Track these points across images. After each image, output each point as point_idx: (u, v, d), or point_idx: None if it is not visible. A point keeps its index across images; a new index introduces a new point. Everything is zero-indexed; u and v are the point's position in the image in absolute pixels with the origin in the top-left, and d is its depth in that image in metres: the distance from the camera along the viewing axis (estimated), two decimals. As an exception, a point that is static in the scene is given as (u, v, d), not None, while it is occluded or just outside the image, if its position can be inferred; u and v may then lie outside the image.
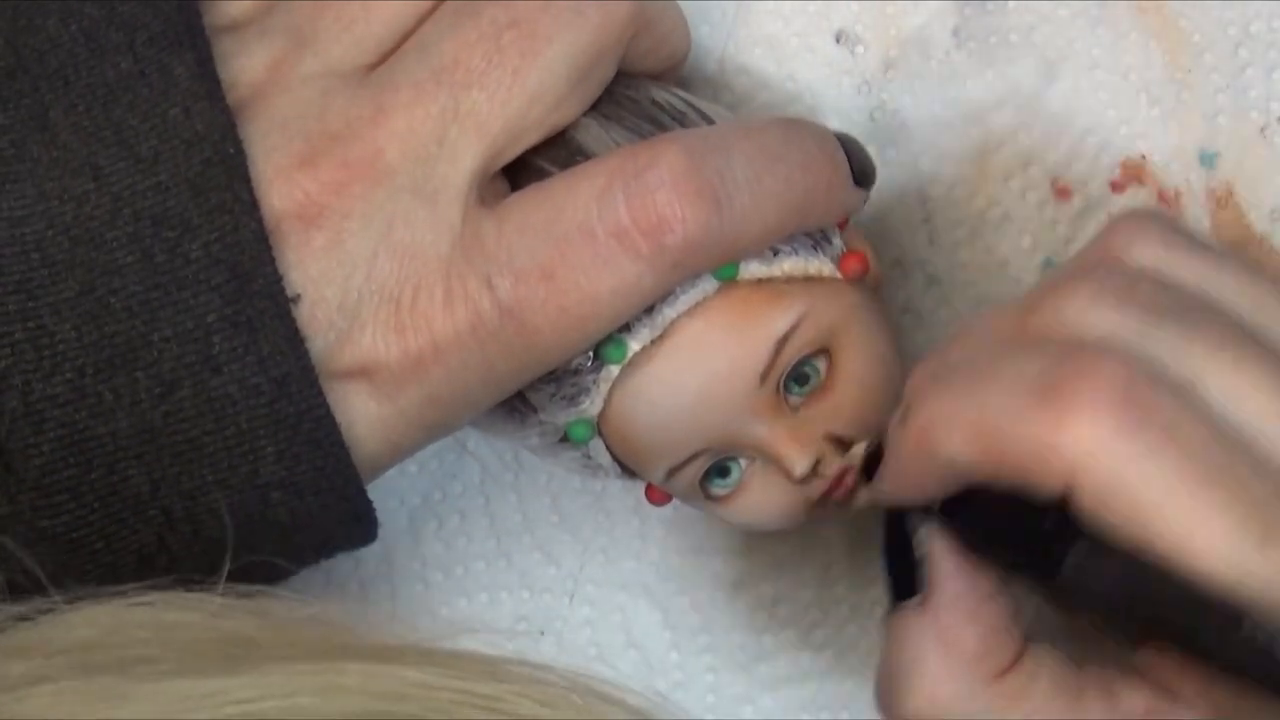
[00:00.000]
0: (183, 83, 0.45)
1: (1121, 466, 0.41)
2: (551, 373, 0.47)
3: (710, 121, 0.49)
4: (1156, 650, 0.45)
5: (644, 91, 0.49)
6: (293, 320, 0.44)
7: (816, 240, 0.48)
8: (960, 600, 0.45)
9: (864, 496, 0.49)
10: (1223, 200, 0.53)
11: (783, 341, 0.47)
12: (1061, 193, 0.54)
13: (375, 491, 0.56)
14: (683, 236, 0.45)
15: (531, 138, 0.46)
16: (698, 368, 0.47)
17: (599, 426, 0.48)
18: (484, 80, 0.46)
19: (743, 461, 0.49)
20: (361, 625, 0.37)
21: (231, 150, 0.44)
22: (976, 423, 0.43)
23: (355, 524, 0.47)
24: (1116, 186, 0.53)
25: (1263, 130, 0.53)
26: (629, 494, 0.55)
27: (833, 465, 0.48)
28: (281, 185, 0.45)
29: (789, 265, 0.48)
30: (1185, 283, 0.44)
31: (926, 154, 0.54)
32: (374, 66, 0.46)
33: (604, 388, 0.47)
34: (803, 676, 0.56)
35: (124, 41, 0.45)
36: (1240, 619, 0.40)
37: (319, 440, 0.45)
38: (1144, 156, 0.53)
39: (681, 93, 0.50)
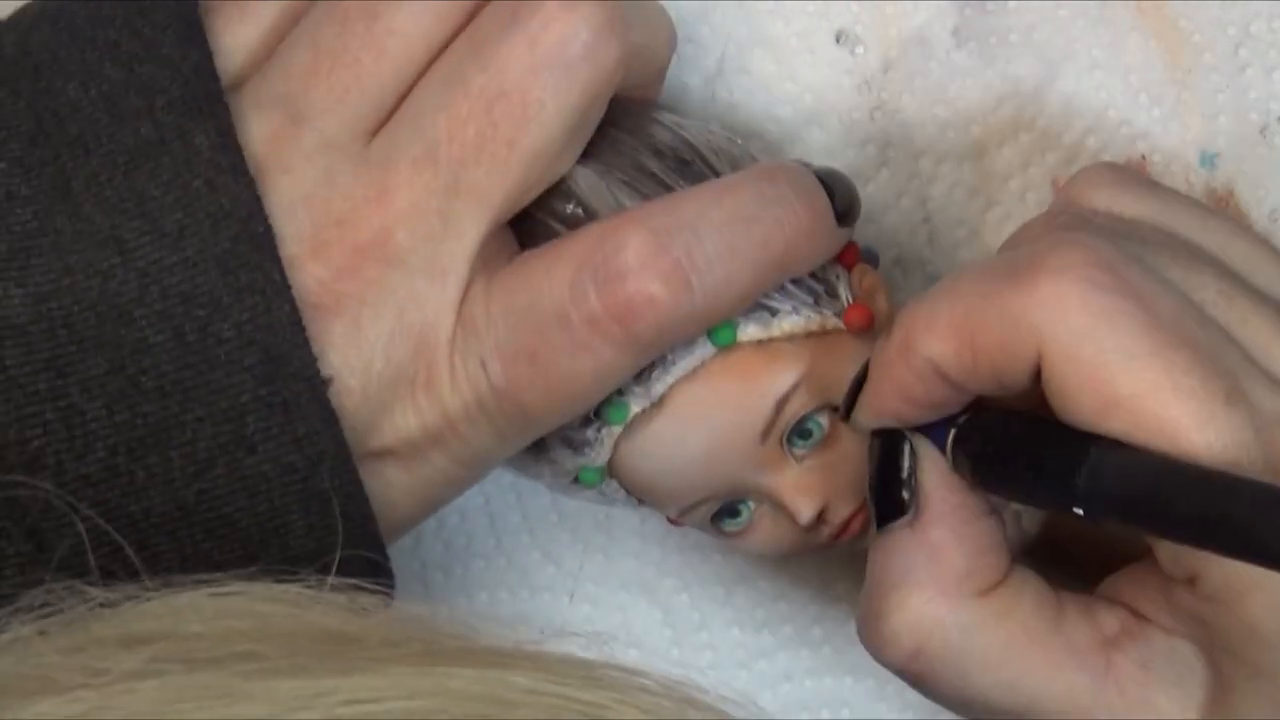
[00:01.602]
0: (204, 153, 0.44)
1: (1087, 324, 0.41)
2: (557, 430, 0.48)
3: (705, 162, 0.48)
4: (1124, 577, 0.46)
5: (644, 134, 0.48)
6: (327, 401, 0.44)
7: (819, 295, 0.48)
8: (950, 518, 0.46)
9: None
10: (1223, 200, 0.53)
11: (783, 401, 0.47)
12: (1061, 193, 0.54)
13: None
14: (653, 321, 0.45)
15: (533, 194, 0.47)
16: (699, 428, 0.47)
17: (610, 470, 0.49)
18: (480, 156, 0.45)
19: (751, 503, 0.49)
20: (456, 626, 0.37)
21: (260, 229, 0.44)
22: (949, 315, 0.43)
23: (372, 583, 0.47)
24: (1116, 187, 0.53)
25: (1263, 130, 0.53)
26: (629, 493, 0.55)
27: (840, 514, 0.49)
28: (295, 275, 0.44)
29: (788, 325, 0.48)
30: (1141, 217, 0.45)
31: (926, 154, 0.54)
32: (374, 132, 0.46)
33: (609, 443, 0.48)
34: (802, 674, 0.56)
35: (143, 106, 0.45)
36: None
37: (351, 515, 0.45)
38: (1144, 156, 0.53)
39: (681, 128, 0.49)
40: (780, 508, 0.48)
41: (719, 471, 0.48)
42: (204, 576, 0.36)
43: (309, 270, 0.45)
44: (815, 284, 0.48)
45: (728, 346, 0.47)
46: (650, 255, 0.45)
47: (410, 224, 0.45)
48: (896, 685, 0.55)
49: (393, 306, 0.45)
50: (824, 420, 0.48)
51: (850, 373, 0.47)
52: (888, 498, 0.46)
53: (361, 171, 0.45)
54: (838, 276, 0.49)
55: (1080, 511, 0.42)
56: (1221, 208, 0.53)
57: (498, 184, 0.45)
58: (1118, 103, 0.53)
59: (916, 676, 0.46)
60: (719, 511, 0.49)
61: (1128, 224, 0.45)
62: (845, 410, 0.47)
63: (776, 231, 0.46)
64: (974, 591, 0.45)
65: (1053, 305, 0.42)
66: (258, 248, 0.44)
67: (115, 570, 0.44)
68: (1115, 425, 0.42)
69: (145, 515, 0.44)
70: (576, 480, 0.49)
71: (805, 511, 0.48)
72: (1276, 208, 0.53)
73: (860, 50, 0.54)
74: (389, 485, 0.46)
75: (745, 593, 0.55)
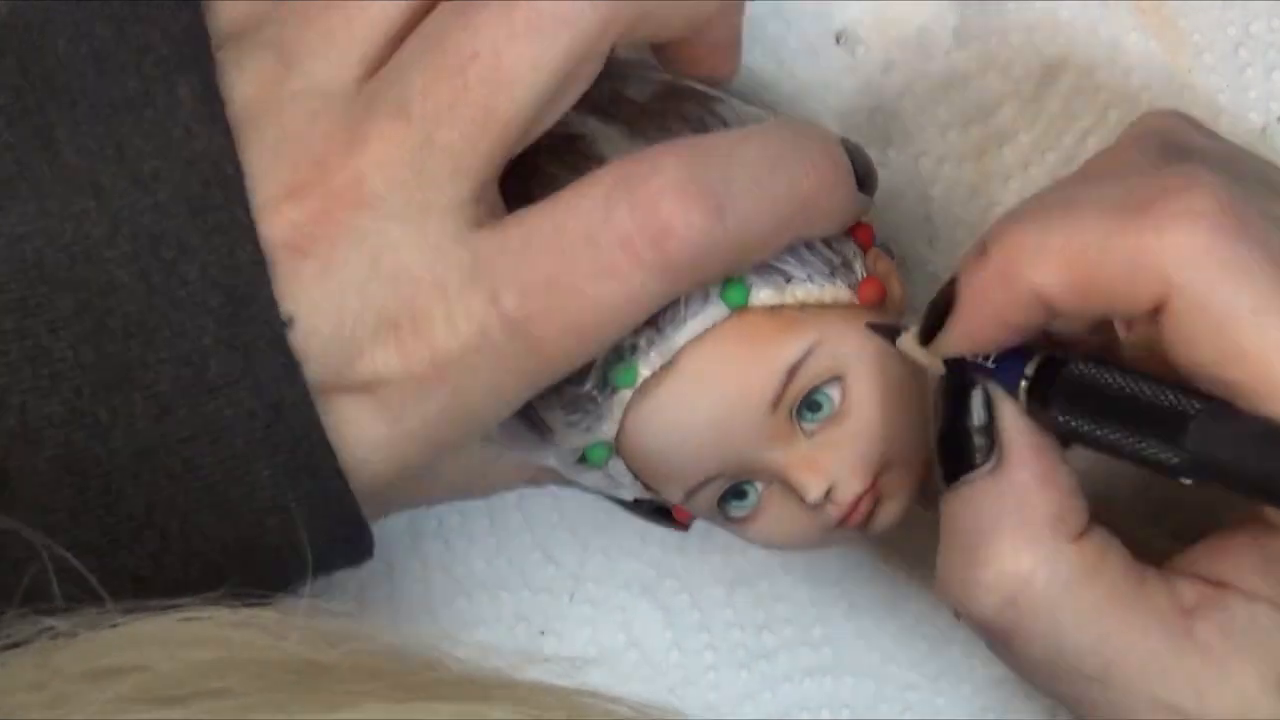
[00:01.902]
0: (186, 103, 0.45)
1: (1217, 276, 0.41)
2: (563, 395, 0.47)
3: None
4: (1203, 549, 0.45)
5: (672, 104, 0.49)
6: (287, 345, 0.44)
7: (834, 266, 0.48)
8: (1034, 462, 0.45)
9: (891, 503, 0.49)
10: (1223, 201, 0.53)
11: (794, 370, 0.47)
12: (1062, 193, 0.54)
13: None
14: (687, 243, 0.45)
15: (512, 154, 0.46)
16: (708, 393, 0.47)
17: (617, 447, 0.48)
18: (453, 119, 0.45)
19: (759, 485, 0.49)
20: (428, 652, 0.36)
21: (230, 171, 0.44)
22: (1064, 247, 0.42)
23: (350, 546, 0.47)
24: (1116, 187, 0.53)
25: (1263, 130, 0.53)
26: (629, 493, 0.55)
27: (848, 492, 0.48)
28: (271, 214, 0.44)
29: (802, 293, 0.48)
30: (1222, 155, 0.45)
31: (926, 154, 0.54)
32: (364, 79, 0.46)
33: (617, 412, 0.47)
34: (803, 674, 0.56)
35: (132, 63, 0.45)
36: None
37: (315, 466, 0.45)
38: (1144, 157, 0.53)
39: (719, 102, 0.49)
40: (788, 486, 0.48)
41: (728, 443, 0.48)
42: (169, 603, 0.36)
43: (284, 211, 0.44)
44: (831, 254, 0.48)
45: (740, 308, 0.47)
46: (686, 178, 0.45)
47: (384, 172, 0.45)
48: (897, 686, 0.55)
49: (366, 250, 0.45)
50: (834, 394, 0.48)
51: (859, 345, 0.47)
52: (960, 448, 0.45)
53: (344, 117, 0.45)
54: (854, 254, 0.49)
55: (1182, 475, 0.41)
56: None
57: (470, 147, 0.45)
58: (1118, 103, 0.53)
59: (1005, 631, 0.45)
60: (726, 493, 0.49)
61: (1221, 158, 0.44)
62: (925, 335, 0.46)
63: (802, 178, 0.46)
64: (1067, 536, 0.44)
65: (1185, 252, 0.41)
66: (227, 190, 0.44)
67: (81, 531, 0.44)
68: (1234, 376, 0.41)
69: (110, 457, 0.44)
70: (583, 459, 0.49)
71: (813, 488, 0.48)
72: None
73: (860, 50, 0.54)
74: (362, 433, 0.45)
75: (745, 593, 0.55)
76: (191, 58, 0.45)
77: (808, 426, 0.48)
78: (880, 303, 0.49)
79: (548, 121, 0.46)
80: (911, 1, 0.54)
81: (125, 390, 0.44)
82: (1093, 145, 0.53)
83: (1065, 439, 0.45)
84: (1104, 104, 0.53)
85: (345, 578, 0.55)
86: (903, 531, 0.54)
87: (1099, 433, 0.43)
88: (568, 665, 0.37)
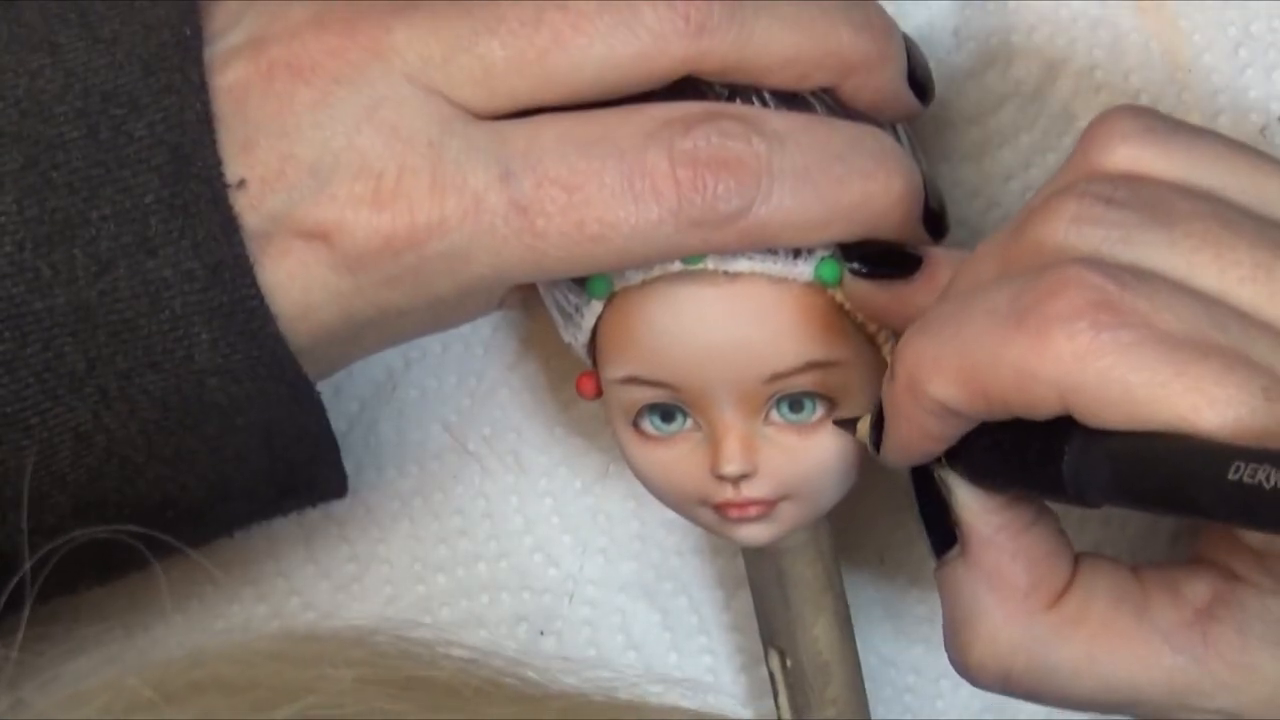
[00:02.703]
0: None
1: (1108, 368, 0.41)
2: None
3: None
4: (1218, 537, 0.44)
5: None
6: (229, 206, 0.44)
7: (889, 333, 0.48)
8: (997, 538, 0.45)
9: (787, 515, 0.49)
10: (1223, 201, 0.53)
11: (813, 367, 0.47)
12: (1061, 194, 0.53)
13: (376, 492, 0.56)
14: (710, 200, 0.45)
15: (535, 105, 0.46)
16: (744, 326, 0.47)
17: (612, 298, 0.48)
18: (508, 40, 0.45)
19: (689, 421, 0.49)
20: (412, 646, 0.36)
21: (188, 31, 0.45)
22: (958, 362, 0.43)
23: (297, 405, 0.47)
24: (1116, 187, 0.53)
25: (1263, 130, 0.53)
26: (629, 495, 0.55)
27: (755, 491, 0.48)
28: (286, 37, 0.45)
29: (864, 295, 0.48)
30: (1167, 175, 0.44)
31: (926, 154, 0.54)
32: None
33: (657, 270, 0.47)
34: (804, 676, 0.56)
35: None
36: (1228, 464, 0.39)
37: (253, 330, 0.45)
38: (1144, 157, 0.53)
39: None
40: (713, 444, 0.48)
41: (711, 371, 0.47)
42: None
43: (299, 36, 0.45)
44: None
45: (824, 283, 0.47)
46: (738, 139, 0.45)
47: (414, 36, 0.45)
48: (896, 688, 0.55)
49: (367, 95, 0.45)
50: (819, 411, 0.48)
51: (869, 397, 0.48)
52: (940, 529, 0.46)
53: None
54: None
55: (1075, 501, 0.42)
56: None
57: (506, 76, 0.45)
58: (1118, 102, 0.53)
59: (1018, 695, 0.46)
60: (656, 406, 0.48)
61: (1151, 193, 0.43)
62: (874, 447, 0.47)
63: (858, 179, 0.47)
64: (1042, 605, 0.45)
65: (1067, 359, 0.41)
66: (183, 49, 0.44)
67: (19, 386, 0.44)
68: (1169, 451, 0.41)
69: (49, 313, 0.44)
70: (579, 283, 0.48)
71: (734, 464, 0.48)
72: (1277, 208, 0.53)
73: (859, 51, 0.54)
74: (311, 279, 0.45)
75: (745, 596, 0.55)
76: None
77: (774, 417, 0.48)
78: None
79: (586, 99, 0.46)
80: (911, 1, 0.53)
81: (67, 246, 0.44)
82: (1092, 146, 0.53)
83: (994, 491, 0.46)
84: (1104, 104, 0.53)
85: (348, 581, 0.56)
86: (902, 535, 0.54)
87: (999, 480, 0.45)
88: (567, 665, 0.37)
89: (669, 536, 0.55)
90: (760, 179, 0.46)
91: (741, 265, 0.47)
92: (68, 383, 0.45)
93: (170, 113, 0.44)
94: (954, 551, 0.46)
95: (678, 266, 0.47)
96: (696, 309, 0.47)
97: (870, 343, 0.49)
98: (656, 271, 0.47)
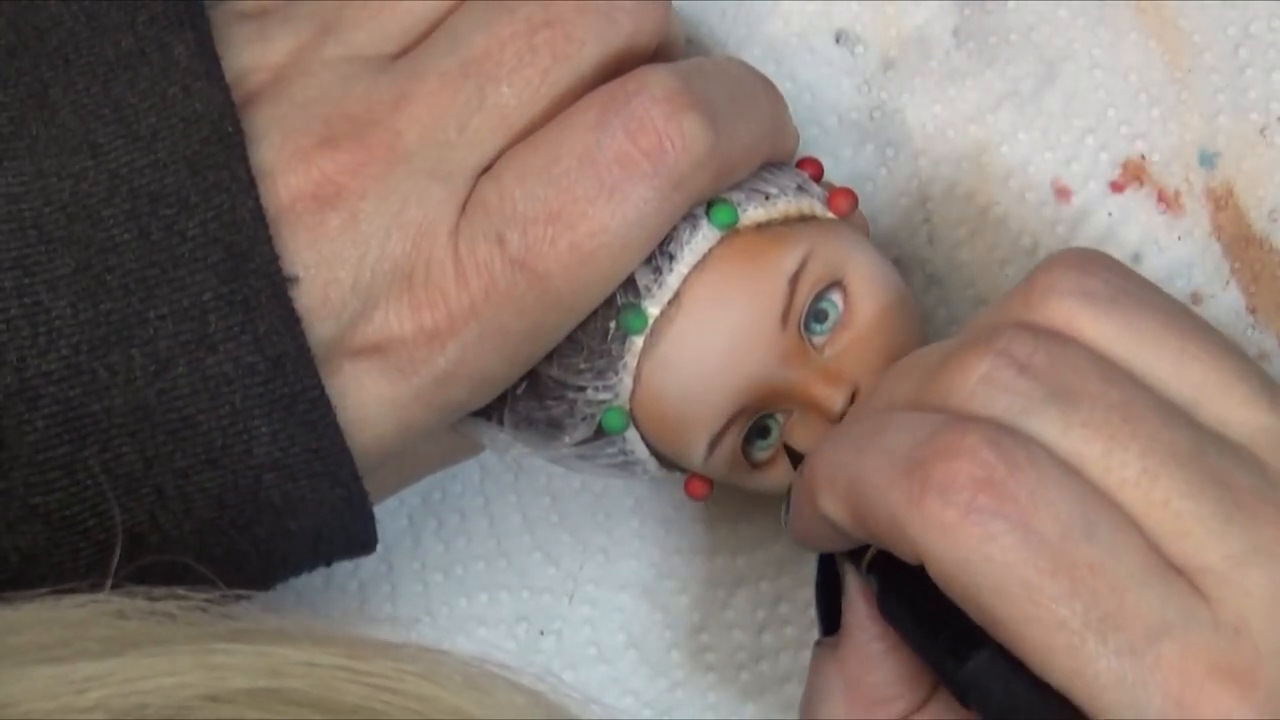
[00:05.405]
0: (182, 62, 0.45)
1: (965, 551, 0.42)
2: (577, 346, 0.47)
3: None
4: None
5: None
6: (289, 300, 0.44)
7: (800, 182, 0.49)
8: (867, 647, 0.47)
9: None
10: (1222, 201, 0.53)
11: (795, 279, 0.48)
12: (1061, 193, 0.54)
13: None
14: (684, 150, 0.45)
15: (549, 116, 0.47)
16: (719, 321, 0.47)
17: (633, 414, 0.48)
18: (513, 77, 0.46)
19: (780, 417, 0.49)
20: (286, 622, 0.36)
21: (230, 129, 0.45)
22: (849, 486, 0.44)
23: (349, 511, 0.47)
24: (1116, 186, 0.53)
25: (1263, 130, 0.53)
26: (629, 493, 0.55)
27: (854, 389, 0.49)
28: (299, 165, 0.45)
29: (784, 206, 0.48)
30: (1095, 344, 0.44)
31: (926, 154, 0.54)
32: (397, 56, 0.47)
33: (632, 363, 0.47)
34: (803, 675, 0.55)
35: (124, 21, 0.45)
36: None
37: (314, 422, 0.45)
38: (1144, 156, 0.53)
39: None
40: (810, 405, 0.48)
41: (745, 373, 0.48)
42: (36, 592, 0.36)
43: (313, 161, 0.45)
44: (795, 174, 0.49)
45: (731, 229, 0.47)
46: (675, 90, 0.46)
47: (424, 128, 0.46)
48: (897, 686, 0.55)
49: (393, 202, 0.45)
50: (838, 300, 0.49)
51: (848, 251, 0.48)
52: (830, 612, 0.48)
53: (384, 79, 0.46)
54: (805, 177, 0.50)
55: (960, 699, 0.44)
56: (1221, 208, 0.53)
57: (522, 108, 0.46)
58: (1118, 103, 0.53)
59: None
60: (750, 433, 0.49)
61: (1068, 365, 0.44)
62: (784, 520, 0.48)
63: (765, 101, 0.48)
64: (895, 715, 0.47)
65: (934, 528, 0.42)
66: (227, 148, 0.44)
67: (78, 489, 0.44)
68: (998, 638, 0.42)
69: (107, 414, 0.44)
70: (600, 434, 0.48)
71: (837, 398, 0.48)
72: (1276, 207, 0.53)
73: (860, 50, 0.54)
74: (367, 394, 0.46)
75: (746, 595, 0.55)
76: (186, 16, 0.45)
77: (818, 340, 0.48)
78: (853, 209, 0.49)
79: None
80: (911, 1, 0.54)
81: (124, 347, 0.44)
82: (1092, 144, 0.53)
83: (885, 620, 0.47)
84: (1104, 104, 0.53)
85: (346, 580, 0.56)
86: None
87: (905, 625, 0.46)
88: (397, 624, 0.37)
89: (669, 535, 0.55)
90: (713, 117, 0.46)
91: (671, 283, 0.47)
92: (125, 484, 0.45)
93: (222, 211, 0.44)
94: (829, 640, 0.48)
95: (716, 235, 0.47)
96: (687, 349, 0.48)
97: (807, 220, 0.49)
98: (691, 258, 0.47)
